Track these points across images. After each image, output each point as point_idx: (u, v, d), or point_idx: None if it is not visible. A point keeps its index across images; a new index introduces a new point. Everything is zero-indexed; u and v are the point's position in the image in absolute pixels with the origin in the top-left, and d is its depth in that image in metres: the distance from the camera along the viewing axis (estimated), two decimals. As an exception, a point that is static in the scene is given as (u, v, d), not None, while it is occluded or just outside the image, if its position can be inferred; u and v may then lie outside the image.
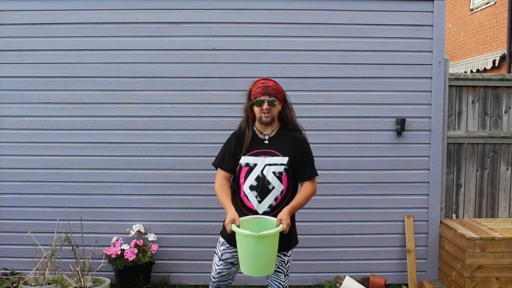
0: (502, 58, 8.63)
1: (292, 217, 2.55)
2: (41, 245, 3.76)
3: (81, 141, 3.98)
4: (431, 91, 3.98)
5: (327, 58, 3.95)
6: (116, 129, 3.98)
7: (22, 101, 3.97)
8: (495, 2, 9.34)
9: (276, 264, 2.53)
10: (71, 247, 3.72)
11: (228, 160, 2.57)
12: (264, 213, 2.46)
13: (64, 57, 3.94)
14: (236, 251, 2.49)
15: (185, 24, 3.93)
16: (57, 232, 3.82)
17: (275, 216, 2.45)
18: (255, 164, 2.48)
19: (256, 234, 2.24)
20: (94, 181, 4.00)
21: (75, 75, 3.95)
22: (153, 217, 4.01)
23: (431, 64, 3.96)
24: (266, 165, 2.48)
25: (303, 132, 2.65)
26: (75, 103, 3.96)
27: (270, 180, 2.45)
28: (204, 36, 3.92)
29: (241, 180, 2.50)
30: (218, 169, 2.62)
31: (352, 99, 3.98)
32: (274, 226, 2.37)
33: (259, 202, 2.45)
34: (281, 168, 2.48)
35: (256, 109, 2.52)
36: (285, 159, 2.50)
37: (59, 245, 3.74)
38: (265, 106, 2.47)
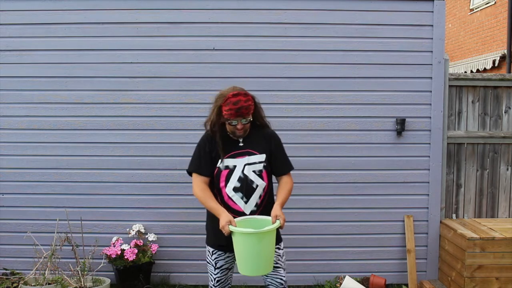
0: (502, 58, 8.63)
1: None
2: (41, 245, 3.76)
3: (81, 141, 3.98)
4: (431, 91, 3.98)
5: (327, 58, 3.95)
6: (116, 129, 3.98)
7: (22, 101, 3.97)
8: (495, 2, 9.34)
9: (274, 260, 2.53)
10: (71, 247, 3.73)
11: (205, 164, 2.51)
12: (251, 213, 2.46)
13: (64, 57, 3.94)
14: (229, 256, 2.52)
15: (185, 24, 3.93)
16: (57, 232, 3.82)
17: (262, 213, 2.47)
18: (235, 166, 2.47)
19: (259, 231, 2.24)
20: (94, 181, 4.00)
21: (75, 75, 3.95)
22: (153, 217, 4.01)
23: (431, 64, 3.96)
24: (245, 165, 2.47)
25: (271, 127, 2.64)
26: (75, 103, 3.97)
27: (252, 179, 2.46)
28: (204, 36, 3.92)
29: (222, 183, 2.48)
30: (194, 175, 2.53)
31: (352, 99, 3.98)
32: (266, 224, 2.36)
33: (246, 202, 2.45)
34: (260, 166, 2.49)
35: (229, 127, 2.47)
36: (262, 157, 2.51)
37: (59, 245, 3.74)
38: (239, 126, 2.43)
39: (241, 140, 2.52)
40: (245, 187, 2.45)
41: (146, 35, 3.92)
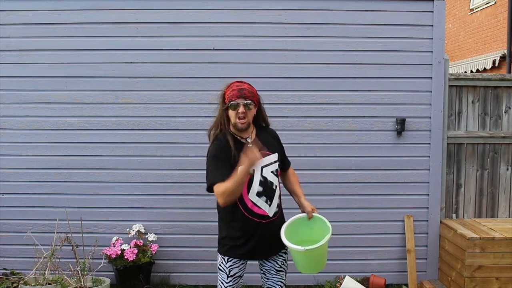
0: (502, 58, 8.62)
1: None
2: (41, 245, 3.76)
3: (81, 141, 3.98)
4: (431, 91, 3.98)
5: (327, 58, 3.95)
6: (116, 129, 3.98)
7: (22, 101, 3.97)
8: (495, 2, 9.33)
9: (278, 264, 2.54)
10: (71, 247, 3.72)
11: (226, 171, 2.27)
12: (274, 214, 2.44)
13: (64, 57, 3.94)
14: (243, 263, 2.50)
15: (185, 24, 3.93)
16: (57, 232, 3.82)
17: (281, 214, 2.48)
18: (254, 170, 2.38)
19: (323, 243, 2.25)
20: (94, 181, 4.00)
21: (75, 75, 3.95)
22: (153, 217, 4.01)
23: (431, 64, 3.96)
24: (262, 167, 2.42)
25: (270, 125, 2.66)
26: (75, 103, 3.96)
27: (271, 180, 2.44)
28: (204, 36, 3.92)
29: (244, 190, 2.37)
30: (217, 185, 2.27)
31: (352, 99, 3.98)
32: (304, 221, 2.44)
33: (269, 205, 2.42)
34: (276, 166, 2.48)
35: (231, 113, 2.39)
36: (275, 156, 2.50)
37: (59, 245, 3.73)
38: (241, 109, 2.35)
39: (249, 141, 2.45)
40: (267, 190, 2.41)
41: (146, 35, 3.92)
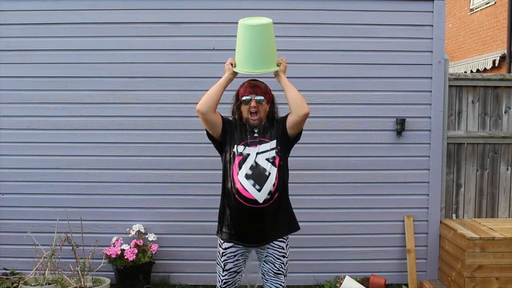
0: (502, 58, 8.62)
1: (289, 205, 2.63)
2: (41, 245, 3.76)
3: (81, 141, 3.98)
4: (431, 91, 3.98)
5: (327, 58, 3.95)
6: (116, 129, 3.98)
7: (22, 101, 3.97)
8: (495, 2, 9.34)
9: (276, 267, 2.56)
10: (71, 247, 3.72)
11: (219, 117, 2.55)
12: (265, 201, 2.45)
13: (64, 57, 3.94)
14: (238, 260, 2.55)
15: (185, 24, 3.93)
16: (57, 232, 3.82)
17: (275, 203, 2.47)
18: (248, 154, 2.49)
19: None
20: (94, 181, 4.00)
21: (75, 75, 3.95)
22: (153, 217, 4.01)
23: (431, 64, 3.96)
24: (257, 154, 2.49)
25: None
26: (75, 103, 3.97)
27: (265, 167, 2.47)
28: (204, 36, 3.93)
29: (235, 168, 2.48)
30: None
31: (352, 99, 3.98)
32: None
33: (259, 190, 2.44)
34: (272, 153, 2.51)
35: (244, 108, 2.52)
36: (273, 143, 2.53)
37: (59, 245, 3.74)
38: (253, 104, 2.49)
39: (256, 131, 2.54)
40: (257, 175, 2.45)
41: (146, 35, 3.92)
